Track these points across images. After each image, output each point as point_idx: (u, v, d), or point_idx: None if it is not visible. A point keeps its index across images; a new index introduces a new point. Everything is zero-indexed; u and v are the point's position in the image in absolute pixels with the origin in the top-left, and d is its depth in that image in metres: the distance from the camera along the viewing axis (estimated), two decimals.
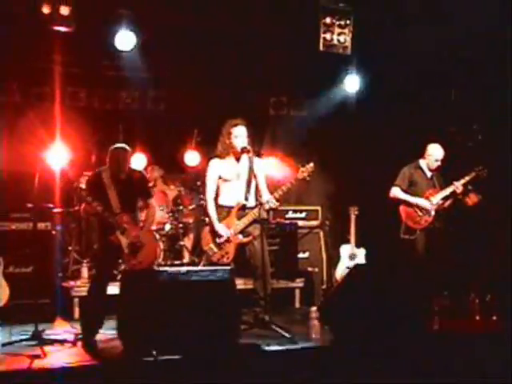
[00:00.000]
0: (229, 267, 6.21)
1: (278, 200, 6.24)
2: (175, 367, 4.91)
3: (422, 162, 7.33)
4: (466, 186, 7.17)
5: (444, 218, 7.24)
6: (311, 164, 6.31)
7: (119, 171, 5.90)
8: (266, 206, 6.17)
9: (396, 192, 7.29)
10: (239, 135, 6.24)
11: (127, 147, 6.02)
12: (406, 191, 7.25)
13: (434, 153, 7.24)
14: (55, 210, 7.15)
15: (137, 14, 7.15)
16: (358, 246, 8.01)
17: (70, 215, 7.72)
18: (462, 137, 8.15)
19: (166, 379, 4.81)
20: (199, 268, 7.63)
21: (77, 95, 8.41)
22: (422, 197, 7.19)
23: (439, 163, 7.24)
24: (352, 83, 8.57)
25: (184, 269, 7.69)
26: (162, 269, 7.35)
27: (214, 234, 6.24)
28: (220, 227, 6.22)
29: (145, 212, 6.23)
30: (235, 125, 6.27)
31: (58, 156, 7.18)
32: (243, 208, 6.28)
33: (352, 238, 8.01)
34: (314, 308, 5.65)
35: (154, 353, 4.96)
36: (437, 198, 7.17)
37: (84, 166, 7.68)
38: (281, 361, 5.30)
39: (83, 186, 5.92)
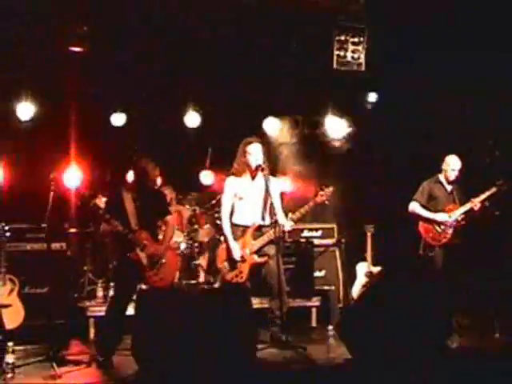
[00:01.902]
0: (244, 286, 6.18)
1: (295, 222, 6.26)
2: None
3: (441, 177, 7.25)
4: (484, 203, 7.08)
5: (462, 234, 7.14)
6: (330, 188, 6.35)
7: (146, 181, 5.89)
8: (283, 229, 6.15)
9: (414, 207, 7.20)
10: (254, 153, 6.25)
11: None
12: (425, 206, 7.18)
13: (451, 162, 7.15)
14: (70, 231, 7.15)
15: None
16: (374, 264, 7.94)
17: (85, 235, 7.73)
18: (479, 152, 8.08)
19: None
20: (214, 287, 7.63)
21: (91, 114, 8.43)
22: (442, 212, 7.11)
23: (457, 173, 7.14)
24: (369, 100, 8.53)
25: (199, 288, 7.77)
26: (177, 288, 7.39)
27: (228, 252, 6.21)
28: (235, 246, 6.19)
29: (162, 230, 6.19)
30: (249, 142, 6.31)
31: (73, 175, 7.18)
32: (259, 228, 6.26)
33: (368, 256, 7.94)
34: (330, 327, 5.56)
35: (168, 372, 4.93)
36: (456, 214, 7.06)
37: (99, 185, 7.67)
38: (298, 380, 5.22)
39: (101, 204, 5.90)
